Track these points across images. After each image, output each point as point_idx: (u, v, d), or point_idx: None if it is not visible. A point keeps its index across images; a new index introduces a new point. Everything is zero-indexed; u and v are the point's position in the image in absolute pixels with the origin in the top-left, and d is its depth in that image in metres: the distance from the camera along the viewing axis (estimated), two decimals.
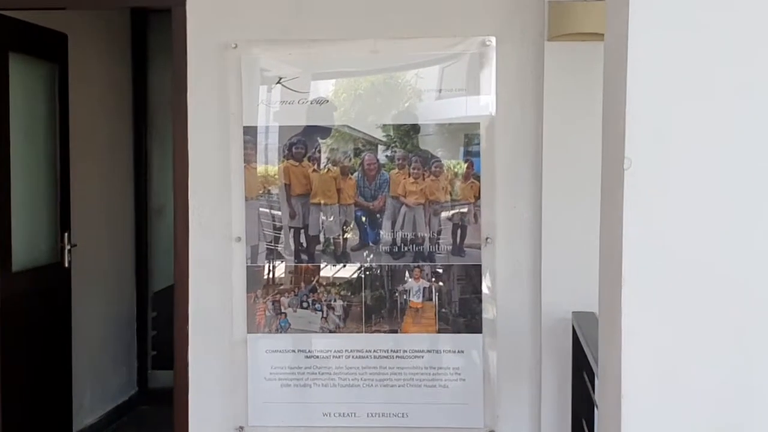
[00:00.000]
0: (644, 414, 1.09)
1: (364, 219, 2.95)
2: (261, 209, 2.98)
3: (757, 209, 1.01)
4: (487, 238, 2.90)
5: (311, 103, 2.95)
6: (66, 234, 3.99)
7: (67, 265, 3.99)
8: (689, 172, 0.99)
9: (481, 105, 2.90)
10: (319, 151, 2.94)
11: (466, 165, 2.91)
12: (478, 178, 2.90)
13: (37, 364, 3.73)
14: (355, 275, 2.97)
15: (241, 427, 2.99)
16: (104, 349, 4.84)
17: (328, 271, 2.98)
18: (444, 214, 2.92)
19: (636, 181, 0.98)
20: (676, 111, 0.99)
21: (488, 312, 2.92)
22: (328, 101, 2.95)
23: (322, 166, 2.95)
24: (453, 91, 2.92)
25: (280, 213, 2.98)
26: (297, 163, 2.95)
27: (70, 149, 4.08)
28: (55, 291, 3.96)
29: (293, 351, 3.00)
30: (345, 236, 2.96)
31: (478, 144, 2.90)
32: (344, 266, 2.97)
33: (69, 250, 3.98)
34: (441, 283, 2.94)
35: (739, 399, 1.08)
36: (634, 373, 1.09)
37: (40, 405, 3.78)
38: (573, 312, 2.70)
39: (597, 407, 2.21)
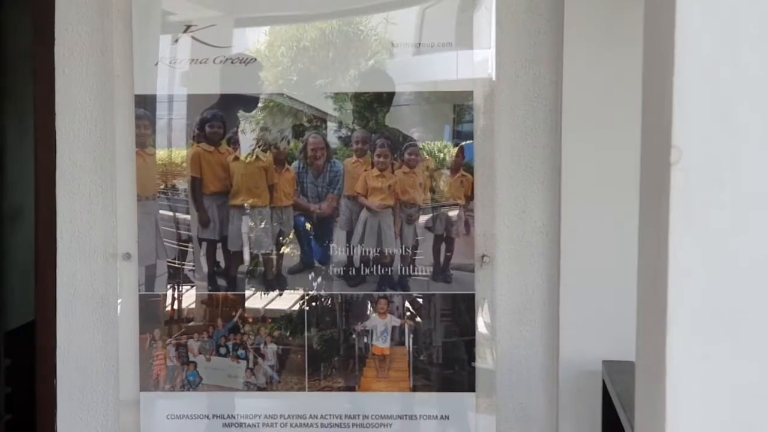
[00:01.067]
0: None
1: (307, 228, 2.93)
2: (161, 214, 2.95)
3: None
4: (483, 257, 2.90)
5: (233, 62, 2.93)
6: None
7: None
8: (763, 167, 0.98)
9: (476, 64, 2.90)
10: (243, 131, 2.92)
11: (454, 151, 2.90)
12: (471, 170, 2.89)
13: None
14: (296, 308, 2.95)
15: None
16: None
17: (256, 302, 2.96)
18: (422, 222, 2.91)
19: (687, 181, 0.97)
20: (742, 82, 0.98)
21: (485, 361, 2.91)
22: (256, 59, 2.93)
23: (246, 152, 2.92)
24: (436, 45, 2.91)
25: (187, 219, 2.95)
26: (211, 148, 2.92)
27: None
28: None
29: (206, 416, 2.98)
30: (280, 253, 2.94)
31: (471, 121, 2.89)
32: (280, 295, 2.95)
33: None
34: (417, 321, 2.93)
35: None
36: None
37: None
38: (604, 361, 2.71)
39: None
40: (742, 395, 1.07)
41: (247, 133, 2.93)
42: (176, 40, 2.92)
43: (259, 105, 2.93)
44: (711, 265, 1.04)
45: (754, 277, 1.02)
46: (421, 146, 2.91)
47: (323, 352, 2.95)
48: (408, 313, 2.93)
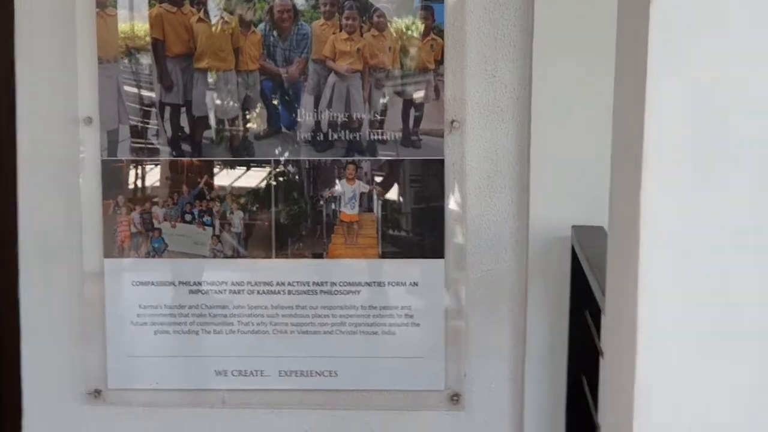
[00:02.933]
0: (666, 362, 1.11)
1: (274, 92, 2.92)
2: (121, 77, 2.92)
3: None
4: (453, 122, 2.90)
5: None
6: None
7: None
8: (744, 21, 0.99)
9: None
10: None
11: (423, 14, 2.88)
12: (441, 33, 2.87)
13: None
14: (263, 175, 2.95)
15: (99, 391, 3.02)
16: None
17: (221, 169, 2.96)
18: (391, 86, 2.90)
19: (669, 31, 0.97)
20: None
21: (454, 228, 2.94)
22: None
23: (211, 13, 2.89)
24: None
25: (150, 83, 2.93)
26: (174, 9, 2.88)
27: None
28: None
29: (172, 283, 3.00)
30: (246, 118, 2.93)
31: None
32: (246, 163, 2.95)
33: None
34: (386, 187, 2.94)
35: None
36: (653, 306, 1.10)
37: None
38: (573, 226, 2.74)
39: (602, 355, 2.27)
40: (715, 253, 1.08)
41: None
42: None
43: None
44: (689, 120, 1.04)
45: (728, 125, 1.03)
46: (390, 10, 2.88)
47: (291, 219, 2.96)
48: (376, 179, 2.94)
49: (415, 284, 2.97)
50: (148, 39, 2.91)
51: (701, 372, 1.10)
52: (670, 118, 1.03)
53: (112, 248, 2.98)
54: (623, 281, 1.17)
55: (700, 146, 1.05)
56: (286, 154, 2.93)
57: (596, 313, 2.47)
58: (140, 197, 2.98)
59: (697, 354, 1.09)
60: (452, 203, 2.93)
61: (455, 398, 2.98)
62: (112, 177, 2.95)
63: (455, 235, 2.94)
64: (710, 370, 1.10)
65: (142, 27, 2.90)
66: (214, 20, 2.89)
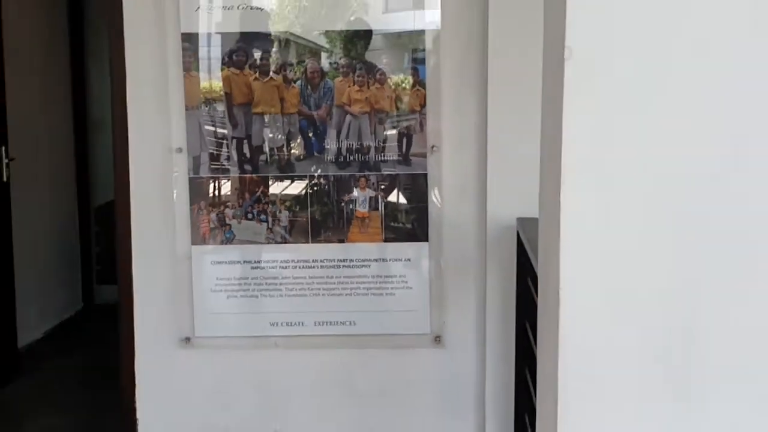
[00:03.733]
0: (580, 307, 1.10)
1: (308, 128, 2.91)
2: (202, 119, 2.92)
3: (711, 103, 1.00)
4: (433, 147, 2.89)
5: (252, 9, 2.87)
6: (3, 147, 3.87)
7: (5, 179, 3.89)
8: (636, 61, 0.97)
9: (427, 19, 2.86)
10: (261, 59, 2.87)
11: (411, 74, 2.87)
12: (424, 86, 2.86)
13: None
14: (301, 185, 2.94)
15: (188, 338, 3.00)
16: (48, 264, 4.79)
17: (272, 182, 2.95)
18: (389, 123, 2.89)
19: (576, 71, 0.96)
20: None
21: (434, 220, 2.93)
22: (270, 9, 2.87)
23: (264, 74, 2.88)
24: (399, 7, 2.88)
25: (222, 123, 2.91)
26: (238, 71, 2.87)
27: (5, 62, 3.93)
28: None
29: (239, 262, 2.98)
30: (290, 146, 2.92)
31: (424, 52, 2.86)
32: (290, 177, 2.94)
33: (7, 164, 3.87)
34: (387, 193, 2.93)
35: (686, 296, 1.09)
36: (572, 268, 1.09)
37: None
38: (518, 218, 2.73)
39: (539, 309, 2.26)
40: (623, 231, 1.07)
41: (264, 60, 2.88)
42: None
43: (273, 41, 2.88)
44: (594, 135, 1.03)
45: (628, 139, 1.02)
46: (388, 70, 2.87)
47: (321, 216, 2.95)
48: (381, 187, 2.93)
49: (409, 260, 2.96)
50: (220, 92, 2.89)
51: (615, 311, 1.09)
52: (581, 141, 1.03)
53: (197, 238, 2.97)
54: (550, 255, 1.17)
55: (604, 158, 1.04)
56: (318, 171, 2.92)
57: (534, 278, 2.46)
58: (216, 202, 2.96)
59: (603, 305, 1.08)
60: (433, 204, 2.92)
61: (437, 339, 2.97)
62: (196, 189, 2.94)
63: (436, 226, 2.93)
64: (622, 310, 1.09)
65: (216, 84, 2.89)
66: (265, 79, 2.88)
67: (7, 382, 3.99)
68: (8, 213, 4.01)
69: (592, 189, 1.04)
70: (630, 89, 1.02)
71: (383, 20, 2.90)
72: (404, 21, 2.89)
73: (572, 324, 1.07)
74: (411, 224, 2.94)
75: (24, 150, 4.19)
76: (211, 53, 2.90)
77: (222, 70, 2.88)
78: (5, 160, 3.87)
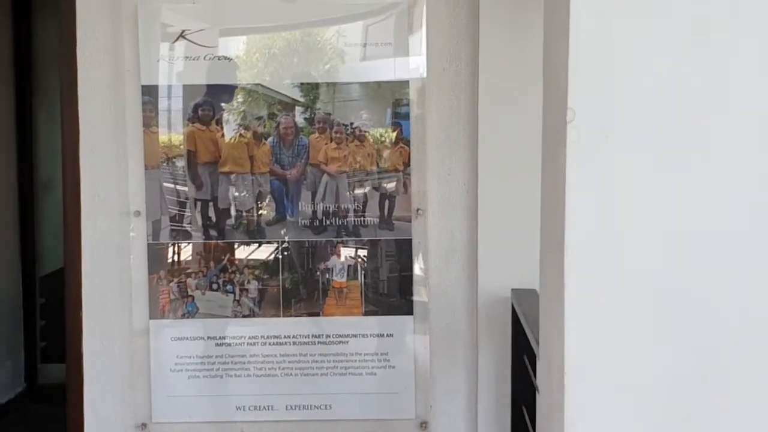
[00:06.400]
0: (588, 396, 1.09)
1: (280, 189, 2.90)
2: (163, 179, 2.91)
3: (718, 168, 1.01)
4: (418, 210, 2.89)
5: (219, 59, 2.89)
6: None
7: None
8: (641, 125, 0.99)
9: (411, 66, 2.88)
10: (229, 114, 2.88)
11: (394, 129, 2.89)
12: (407, 143, 2.88)
13: None
14: (271, 252, 2.93)
15: (144, 425, 2.94)
16: None
17: (241, 248, 2.93)
18: (370, 183, 2.90)
19: (580, 135, 0.97)
20: (623, 56, 0.98)
21: (420, 291, 2.92)
22: (238, 58, 2.89)
23: (231, 130, 2.89)
24: (379, 46, 2.89)
25: (185, 184, 2.91)
26: (203, 127, 2.88)
27: None
28: None
29: (202, 338, 2.95)
30: (259, 209, 2.92)
31: (408, 105, 2.88)
32: (259, 243, 2.93)
33: None
34: (367, 260, 2.92)
35: (692, 378, 1.09)
36: (578, 352, 1.09)
37: None
38: (512, 289, 2.73)
39: (538, 391, 2.24)
40: (630, 308, 1.07)
41: (232, 115, 2.89)
42: (174, 43, 2.87)
43: (242, 94, 2.89)
44: (599, 204, 1.04)
45: (636, 211, 1.03)
46: (369, 126, 2.89)
47: (294, 286, 2.93)
48: (360, 254, 2.92)
49: (391, 335, 2.93)
50: (183, 149, 2.89)
51: (622, 398, 1.08)
52: (584, 213, 1.03)
53: (155, 311, 2.94)
54: (552, 335, 1.16)
55: (611, 228, 1.04)
56: (290, 236, 2.92)
57: (531, 356, 2.45)
58: (177, 271, 2.94)
59: (613, 395, 1.07)
60: (418, 272, 2.91)
61: (424, 425, 2.93)
62: (155, 256, 2.93)
63: (421, 296, 2.92)
64: (629, 397, 1.08)
65: (178, 140, 2.90)
66: (234, 136, 2.88)
67: None
68: None
69: (599, 262, 1.05)
70: (637, 153, 1.03)
71: (362, 69, 2.92)
72: (385, 70, 2.91)
73: (580, 414, 1.06)
74: (393, 295, 2.93)
75: None
76: (174, 107, 2.91)
77: (186, 125, 2.89)
78: None
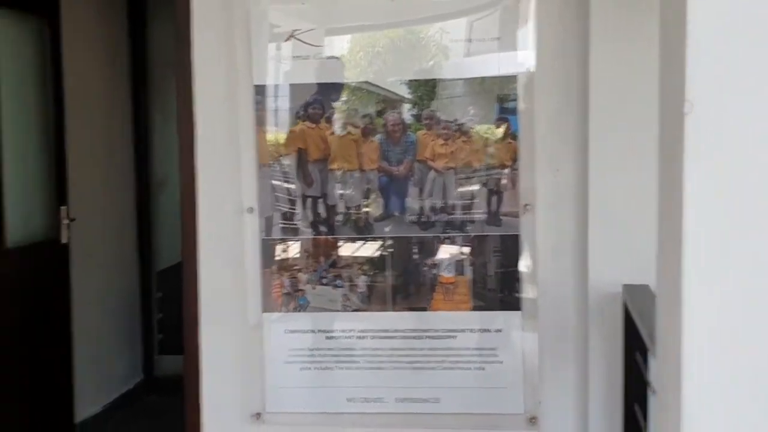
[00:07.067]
0: (708, 397, 1.08)
1: (388, 186, 2.94)
2: (274, 177, 2.98)
3: None
4: (526, 205, 2.88)
5: (327, 59, 2.94)
6: (63, 207, 4.02)
7: (65, 241, 4.02)
8: (761, 116, 0.97)
9: (519, 61, 2.86)
10: (338, 112, 2.93)
11: (501, 124, 2.88)
12: (515, 137, 2.87)
13: (34, 347, 3.77)
14: (379, 248, 2.96)
15: (258, 414, 3.02)
16: (106, 332, 4.90)
17: (350, 243, 2.98)
18: (477, 179, 2.90)
19: (699, 127, 0.96)
20: (743, 45, 0.97)
21: (528, 287, 2.90)
22: (344, 57, 2.94)
23: (340, 128, 2.93)
24: (485, 41, 2.89)
25: (295, 181, 2.97)
26: (313, 125, 2.93)
27: (65, 119, 4.10)
28: (52, 269, 4.00)
29: (313, 331, 3.01)
30: (367, 205, 2.95)
31: (515, 101, 2.87)
32: (367, 239, 2.96)
33: (67, 225, 4.01)
34: (475, 256, 2.93)
35: None
36: (697, 351, 1.07)
37: (37, 393, 3.83)
38: (624, 285, 2.68)
39: (653, 391, 2.20)
40: (753, 306, 1.05)
41: (341, 113, 2.93)
42: (283, 43, 2.93)
43: (348, 91, 2.94)
44: (719, 197, 1.02)
45: (754, 200, 1.01)
46: (475, 121, 2.89)
47: (402, 282, 2.96)
48: (467, 250, 2.92)
49: (499, 330, 2.93)
50: (293, 147, 2.95)
51: (736, 413, 1.06)
52: (703, 207, 1.02)
53: (269, 304, 3.00)
54: (669, 333, 1.15)
55: (730, 221, 1.03)
56: (398, 231, 2.94)
57: (644, 353, 2.40)
58: (289, 265, 3.00)
59: (731, 395, 1.05)
60: (526, 268, 2.90)
61: (532, 420, 2.91)
62: (268, 251, 2.99)
63: (529, 292, 2.91)
64: (752, 398, 1.06)
65: (288, 138, 2.95)
66: (343, 133, 2.93)
67: None
68: (67, 277, 4.13)
69: (718, 258, 1.03)
70: (757, 144, 1.01)
71: (467, 65, 2.93)
72: (491, 65, 2.91)
73: (697, 414, 1.05)
74: (501, 291, 2.92)
75: (84, 210, 4.33)
76: (283, 106, 2.97)
77: (296, 124, 2.94)
78: (65, 221, 4.01)
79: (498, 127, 2.88)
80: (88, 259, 4.47)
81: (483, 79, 2.91)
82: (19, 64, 3.78)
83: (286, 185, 2.99)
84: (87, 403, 4.54)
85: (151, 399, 5.13)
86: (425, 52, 2.90)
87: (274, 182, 2.98)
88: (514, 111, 2.87)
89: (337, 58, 2.94)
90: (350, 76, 2.94)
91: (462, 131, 2.89)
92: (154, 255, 5.45)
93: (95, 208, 4.63)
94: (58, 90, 4.04)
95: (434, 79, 2.90)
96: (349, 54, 2.94)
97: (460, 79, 2.91)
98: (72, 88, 4.18)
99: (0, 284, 3.46)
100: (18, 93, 3.74)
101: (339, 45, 2.96)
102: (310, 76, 2.96)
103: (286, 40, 2.93)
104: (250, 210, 2.98)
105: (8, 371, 3.50)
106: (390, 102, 2.92)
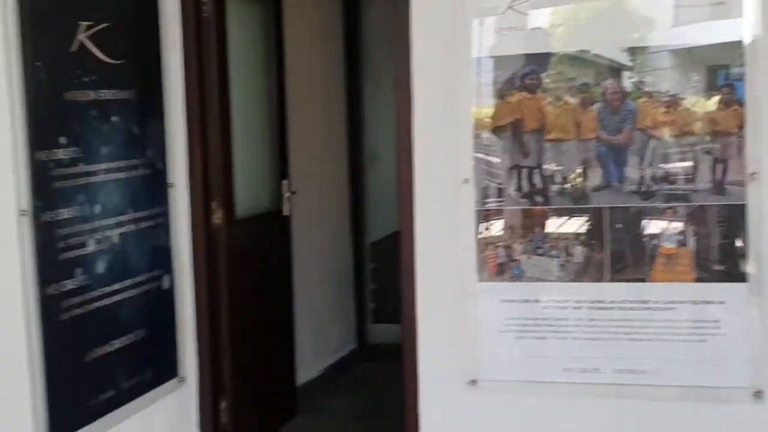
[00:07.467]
0: None
1: (606, 155, 2.91)
2: (490, 148, 3.01)
3: None
4: (752, 174, 2.77)
5: (535, 30, 2.95)
6: (285, 181, 4.24)
7: (286, 213, 4.24)
8: None
9: (744, 26, 2.76)
10: (555, 81, 2.92)
11: (727, 91, 2.79)
12: (741, 104, 2.77)
13: (261, 310, 4.01)
14: (597, 218, 2.94)
15: (474, 381, 3.08)
16: (323, 300, 5.13)
17: (565, 214, 2.97)
18: (701, 147, 2.82)
19: None
20: None
21: (754, 258, 2.80)
22: (563, 25, 2.93)
23: (557, 98, 2.93)
24: (709, 6, 2.82)
25: (511, 151, 2.99)
26: (530, 96, 2.95)
27: (286, 95, 4.32)
28: (275, 239, 4.24)
29: (528, 301, 3.04)
30: (585, 175, 2.93)
31: (741, 66, 2.76)
32: (585, 210, 2.95)
33: (289, 198, 4.23)
34: (698, 227, 2.85)
35: None
36: None
37: (265, 353, 4.07)
38: None
39: None
40: None
41: (558, 82, 2.93)
42: (502, 13, 2.95)
43: (565, 61, 2.92)
44: None
45: None
46: (699, 88, 2.81)
47: (620, 252, 2.93)
48: (690, 220, 2.85)
49: (723, 303, 2.85)
50: (509, 118, 2.97)
51: None
52: None
53: (484, 274, 3.05)
54: None
55: None
56: (616, 201, 2.91)
57: None
58: (504, 236, 3.03)
59: None
60: (752, 239, 2.80)
61: (758, 394, 2.82)
62: (483, 221, 3.04)
63: (755, 264, 2.81)
64: None
65: (504, 110, 2.98)
66: (560, 103, 2.92)
67: (287, 419, 4.31)
68: (289, 247, 4.36)
69: None
70: None
71: (688, 32, 2.86)
72: (714, 32, 2.82)
73: None
74: (725, 262, 2.84)
75: (303, 183, 4.54)
76: (499, 78, 3.00)
77: (512, 94, 2.97)
78: (287, 194, 4.23)
79: (723, 94, 2.79)
80: (307, 230, 4.69)
81: (706, 46, 2.84)
82: (248, 47, 4.01)
83: (501, 156, 3.01)
84: (307, 368, 4.77)
85: (364, 366, 5.32)
86: (648, 20, 2.85)
87: (489, 154, 3.01)
88: (739, 77, 2.78)
89: (554, 27, 2.93)
90: (566, 45, 2.93)
91: (684, 98, 2.82)
92: (366, 227, 5.64)
93: (312, 182, 4.84)
94: (280, 70, 4.25)
95: (653, 46, 2.85)
96: (568, 21, 2.93)
97: (681, 46, 2.85)
98: (292, 68, 4.38)
99: (231, 251, 3.68)
100: (246, 74, 3.97)
101: (553, 15, 2.96)
102: (521, 47, 2.97)
103: (504, 12, 2.95)
104: (466, 181, 3.03)
105: (241, 328, 3.73)
106: (609, 71, 2.89)
